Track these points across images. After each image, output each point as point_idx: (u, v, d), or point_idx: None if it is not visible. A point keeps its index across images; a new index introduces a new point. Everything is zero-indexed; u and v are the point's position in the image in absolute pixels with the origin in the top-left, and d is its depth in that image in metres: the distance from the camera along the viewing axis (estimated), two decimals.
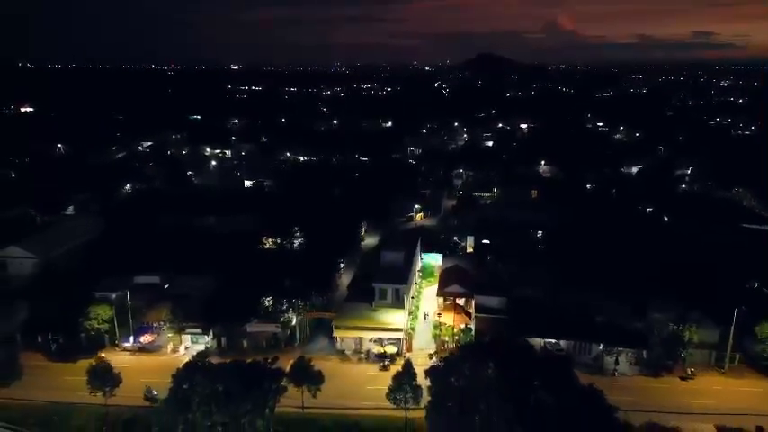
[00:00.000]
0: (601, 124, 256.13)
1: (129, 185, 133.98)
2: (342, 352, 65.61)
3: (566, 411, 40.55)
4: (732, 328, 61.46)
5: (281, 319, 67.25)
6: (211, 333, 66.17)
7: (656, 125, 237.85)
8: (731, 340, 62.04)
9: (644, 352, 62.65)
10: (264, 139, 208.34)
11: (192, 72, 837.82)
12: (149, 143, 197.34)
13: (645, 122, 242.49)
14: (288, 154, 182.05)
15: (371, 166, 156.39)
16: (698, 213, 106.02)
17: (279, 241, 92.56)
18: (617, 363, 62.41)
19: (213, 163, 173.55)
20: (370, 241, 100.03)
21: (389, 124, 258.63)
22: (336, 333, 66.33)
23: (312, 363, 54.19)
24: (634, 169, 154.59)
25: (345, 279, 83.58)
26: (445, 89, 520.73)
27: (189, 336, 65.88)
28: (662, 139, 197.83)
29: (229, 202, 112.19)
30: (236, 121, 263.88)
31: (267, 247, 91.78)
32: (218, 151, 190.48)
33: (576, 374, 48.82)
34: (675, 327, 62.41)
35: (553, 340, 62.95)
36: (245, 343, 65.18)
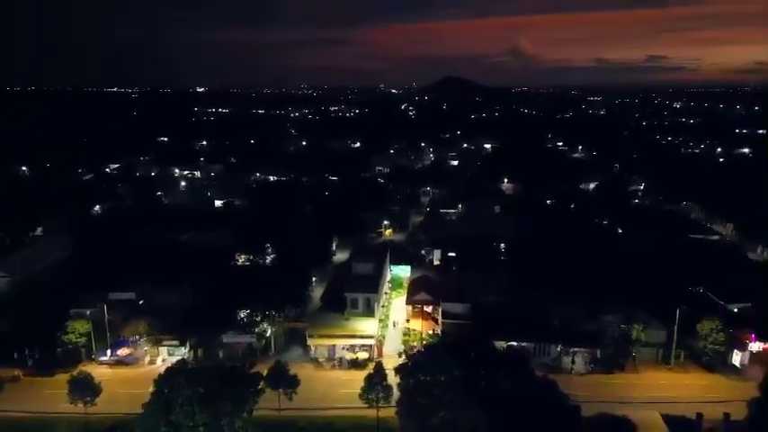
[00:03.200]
0: (561, 143, 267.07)
1: (99, 206, 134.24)
2: (316, 359, 68.43)
3: (523, 399, 44.60)
4: (675, 327, 67.05)
5: (257, 330, 69.80)
6: (188, 345, 68.07)
7: (612, 144, 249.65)
8: (675, 338, 67.59)
9: (597, 351, 67.55)
10: (234, 160, 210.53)
11: (157, 94, 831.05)
12: (117, 165, 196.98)
13: (602, 142, 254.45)
14: (258, 174, 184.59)
15: (341, 184, 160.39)
16: (649, 225, 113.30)
17: (252, 257, 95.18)
18: (573, 362, 67.05)
19: (183, 184, 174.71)
20: (341, 256, 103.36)
21: (358, 145, 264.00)
22: (310, 341, 69.19)
23: (288, 368, 56.99)
24: (591, 185, 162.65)
25: (318, 291, 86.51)
26: (412, 111, 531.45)
27: (166, 348, 67.64)
28: (617, 158, 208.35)
29: (201, 220, 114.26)
30: (205, 142, 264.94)
31: (241, 262, 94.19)
32: (187, 172, 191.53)
33: (536, 373, 53.12)
34: (625, 327, 67.65)
35: (514, 342, 67.25)
36: (221, 354, 67.28)
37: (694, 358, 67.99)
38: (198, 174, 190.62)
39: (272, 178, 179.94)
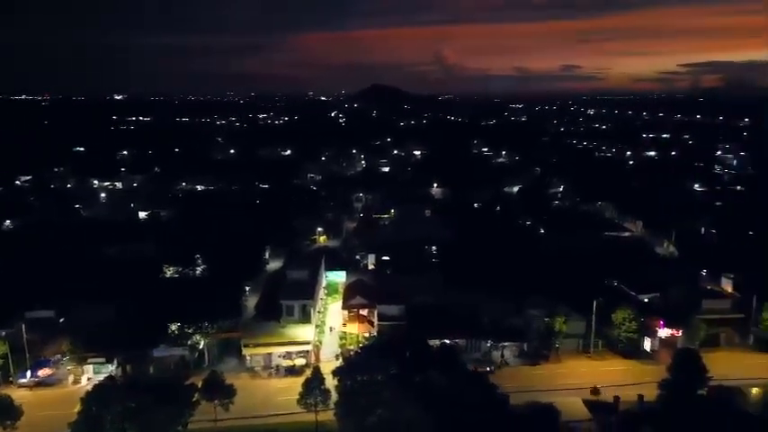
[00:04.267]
0: (486, 149, 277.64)
1: (8, 221, 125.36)
2: (252, 369, 67.71)
3: (455, 393, 46.68)
4: (593, 318, 72.10)
5: (189, 343, 68.13)
6: (115, 362, 65.34)
7: (533, 150, 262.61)
8: (593, 329, 72.63)
9: (524, 344, 71.39)
10: (158, 170, 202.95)
11: (71, 102, 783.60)
12: (28, 177, 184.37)
13: (524, 147, 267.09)
14: (184, 184, 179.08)
15: (272, 192, 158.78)
16: (568, 225, 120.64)
17: (181, 269, 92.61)
18: (502, 356, 70.46)
19: (103, 195, 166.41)
20: (274, 264, 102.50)
21: (288, 152, 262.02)
22: (245, 351, 68.35)
23: (223, 379, 56.21)
24: (515, 188, 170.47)
25: (252, 300, 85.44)
26: (342, 118, 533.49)
27: (91, 366, 64.58)
28: (538, 162, 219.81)
29: (125, 232, 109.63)
30: (126, 152, 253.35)
31: (169, 275, 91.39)
32: (107, 184, 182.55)
33: (468, 368, 55.57)
34: (549, 321, 71.93)
35: (447, 340, 69.65)
36: (151, 369, 65.07)
37: (611, 346, 73.17)
38: (119, 185, 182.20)
39: (199, 188, 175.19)
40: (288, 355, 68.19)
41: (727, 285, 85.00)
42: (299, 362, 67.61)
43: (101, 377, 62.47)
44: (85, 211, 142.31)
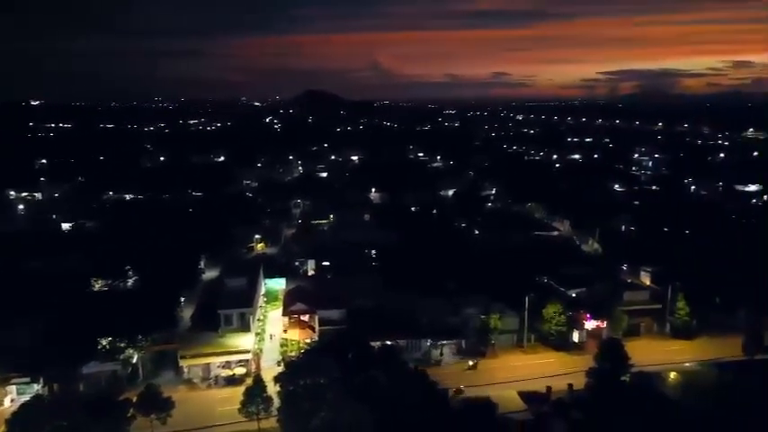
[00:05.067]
0: (421, 154, 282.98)
1: None
2: (189, 381, 65.96)
3: (397, 391, 47.77)
4: (526, 313, 75.52)
5: (121, 357, 65.48)
6: (41, 380, 61.78)
7: (467, 154, 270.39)
8: (526, 324, 76.07)
9: (462, 342, 73.73)
10: (81, 179, 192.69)
11: None
12: None
13: (457, 152, 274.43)
14: (111, 193, 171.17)
15: (206, 200, 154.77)
16: (500, 226, 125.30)
17: (110, 281, 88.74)
18: (441, 354, 72.45)
19: (21, 207, 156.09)
20: (211, 274, 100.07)
21: (222, 159, 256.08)
22: (182, 363, 66.49)
23: (160, 391, 54.51)
24: (450, 192, 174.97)
25: (188, 311, 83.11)
26: (277, 124, 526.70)
27: (14, 387, 60.74)
28: (471, 166, 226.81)
29: (47, 244, 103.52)
30: (45, 161, 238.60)
31: (98, 288, 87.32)
32: (25, 194, 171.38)
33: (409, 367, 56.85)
34: (484, 318, 74.68)
35: (388, 341, 70.77)
36: (81, 386, 62.03)
37: (543, 339, 76.82)
38: (39, 195, 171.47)
39: (128, 197, 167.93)
40: (227, 365, 66.97)
41: (646, 278, 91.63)
42: (240, 371, 66.55)
43: (27, 398, 59.16)
44: (0, 224, 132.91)
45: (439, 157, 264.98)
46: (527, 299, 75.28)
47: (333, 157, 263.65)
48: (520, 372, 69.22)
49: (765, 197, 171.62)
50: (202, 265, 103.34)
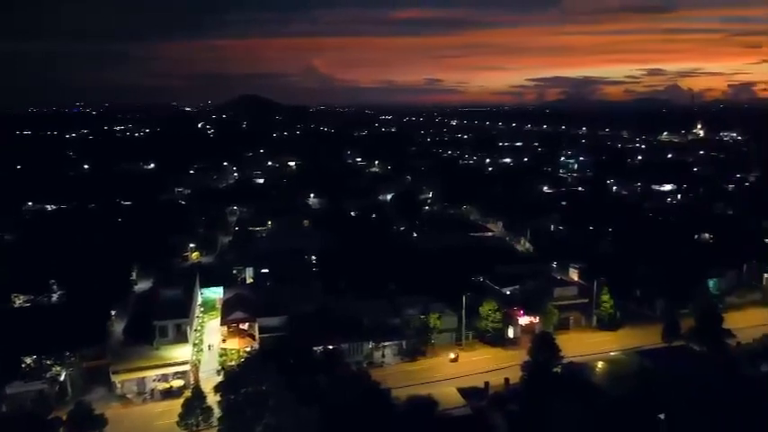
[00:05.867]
0: (359, 159, 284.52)
1: None
2: (123, 396, 63.40)
3: (339, 394, 48.21)
4: (463, 312, 77.91)
5: (47, 375, 62.05)
6: None
7: (404, 159, 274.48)
8: (464, 322, 78.47)
9: (403, 343, 75.04)
10: None
11: None
12: None
13: (395, 157, 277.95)
14: (30, 203, 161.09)
15: (136, 209, 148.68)
16: (438, 228, 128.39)
17: (33, 296, 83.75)
18: (383, 355, 73.45)
19: None
20: (143, 285, 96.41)
21: (152, 166, 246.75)
22: (115, 378, 63.82)
23: (92, 409, 52.20)
24: (388, 196, 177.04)
25: (120, 324, 79.72)
26: (210, 130, 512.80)
27: None
28: (409, 170, 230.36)
29: None
30: None
31: (19, 304, 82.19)
32: None
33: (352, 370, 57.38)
34: (424, 318, 76.38)
35: (330, 346, 70.98)
36: (4, 407, 58.26)
37: (480, 337, 79.40)
38: None
39: (50, 207, 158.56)
40: (164, 378, 64.91)
41: (574, 274, 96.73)
42: (177, 383, 64.65)
43: None
44: None
45: (377, 162, 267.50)
46: (464, 298, 77.68)
47: (269, 163, 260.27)
48: (459, 368, 71.33)
49: (679, 196, 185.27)
50: (134, 276, 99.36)
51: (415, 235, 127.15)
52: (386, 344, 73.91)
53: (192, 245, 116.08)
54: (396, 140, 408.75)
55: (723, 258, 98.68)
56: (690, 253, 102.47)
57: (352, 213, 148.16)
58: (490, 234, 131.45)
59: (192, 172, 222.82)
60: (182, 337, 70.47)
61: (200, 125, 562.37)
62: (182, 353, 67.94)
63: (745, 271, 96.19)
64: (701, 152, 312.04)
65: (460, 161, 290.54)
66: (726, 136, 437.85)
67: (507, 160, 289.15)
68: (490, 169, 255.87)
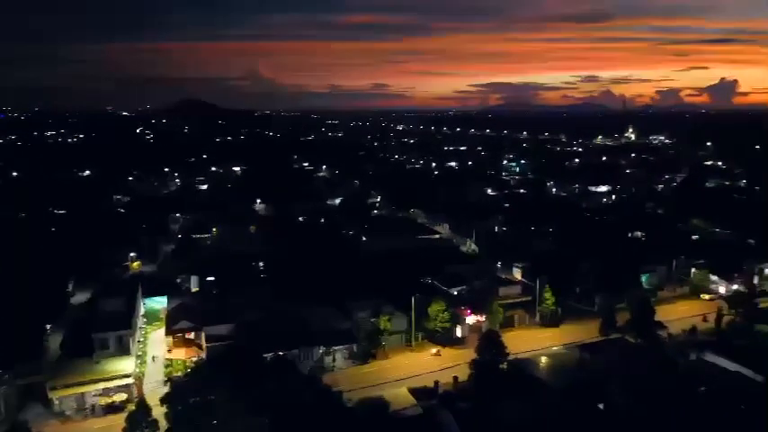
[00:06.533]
0: (306, 164, 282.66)
1: None
2: (62, 413, 60.48)
3: (291, 399, 47.98)
4: (413, 313, 79.02)
5: None
6: None
7: (352, 163, 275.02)
8: (414, 323, 79.57)
9: (354, 346, 75.29)
10: None
11: None
12: None
13: (343, 161, 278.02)
14: None
15: (71, 218, 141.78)
16: (387, 231, 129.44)
17: None
18: (334, 360, 73.41)
19: None
20: (81, 297, 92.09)
21: (88, 173, 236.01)
22: (52, 394, 60.78)
23: (28, 428, 49.64)
24: (337, 200, 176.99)
25: (57, 338, 75.72)
26: (149, 135, 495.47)
27: None
28: (357, 175, 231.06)
29: None
30: None
31: None
32: None
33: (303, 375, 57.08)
34: (375, 321, 76.95)
35: (281, 352, 70.30)
36: None
37: (430, 337, 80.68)
38: None
39: None
40: (106, 392, 62.35)
41: (518, 273, 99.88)
42: (120, 397, 62.28)
43: None
44: None
45: (324, 167, 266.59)
46: (413, 299, 78.80)
47: (213, 169, 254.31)
48: (410, 369, 72.26)
49: (614, 196, 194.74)
50: (70, 288, 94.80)
51: (364, 239, 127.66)
52: (336, 348, 73.86)
53: (132, 254, 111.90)
54: (343, 145, 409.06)
55: (655, 254, 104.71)
56: (624, 250, 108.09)
57: (300, 218, 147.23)
58: (437, 236, 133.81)
59: (130, 179, 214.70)
60: (124, 350, 67.99)
61: (138, 130, 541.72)
62: (124, 365, 65.54)
63: (675, 266, 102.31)
64: (633, 155, 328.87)
65: (407, 165, 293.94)
66: (655, 139, 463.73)
67: (453, 164, 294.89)
68: (436, 173, 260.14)
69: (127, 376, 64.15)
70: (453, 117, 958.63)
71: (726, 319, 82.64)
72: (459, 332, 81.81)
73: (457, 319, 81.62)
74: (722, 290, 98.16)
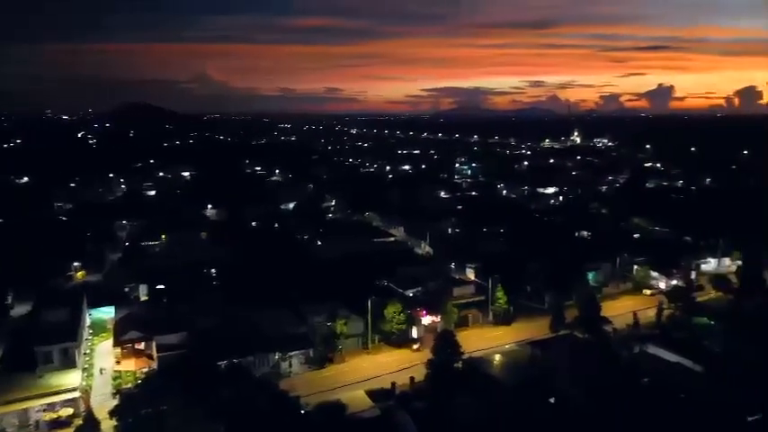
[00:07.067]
0: (258, 168, 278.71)
1: None
2: (2, 431, 57.50)
3: (246, 405, 47.43)
4: (369, 316, 79.38)
5: None
6: None
7: (305, 167, 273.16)
8: (370, 326, 79.94)
9: (310, 351, 74.91)
10: None
11: None
12: None
13: (296, 165, 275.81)
14: None
15: (7, 226, 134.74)
16: (341, 235, 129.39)
17: None
18: (290, 365, 72.84)
19: None
20: (21, 309, 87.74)
21: (25, 180, 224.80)
22: None
23: None
24: (291, 205, 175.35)
25: None
26: (92, 140, 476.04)
27: None
28: (310, 179, 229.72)
29: None
30: None
31: None
32: None
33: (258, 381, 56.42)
34: (330, 325, 76.83)
35: (235, 359, 69.14)
36: None
37: (386, 339, 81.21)
38: None
39: None
40: (51, 407, 59.66)
41: (471, 274, 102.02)
42: (66, 412, 59.69)
43: None
44: None
45: (277, 171, 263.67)
46: (369, 302, 79.14)
47: (161, 174, 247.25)
48: (367, 372, 72.50)
49: (561, 197, 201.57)
50: (9, 300, 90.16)
51: (319, 243, 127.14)
52: (292, 353, 73.25)
53: (76, 263, 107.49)
54: (296, 149, 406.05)
55: (599, 253, 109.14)
56: (571, 249, 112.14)
57: (253, 223, 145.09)
58: (392, 239, 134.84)
59: (73, 185, 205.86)
60: (69, 362, 65.19)
61: (79, 135, 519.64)
62: (70, 379, 62.86)
63: (619, 263, 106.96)
64: (578, 157, 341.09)
65: (361, 169, 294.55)
66: (598, 142, 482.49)
67: (406, 167, 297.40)
68: (390, 176, 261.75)
69: (73, 390, 61.52)
70: (406, 121, 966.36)
71: (666, 312, 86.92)
72: (414, 333, 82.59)
73: (413, 321, 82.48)
74: (662, 285, 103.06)
